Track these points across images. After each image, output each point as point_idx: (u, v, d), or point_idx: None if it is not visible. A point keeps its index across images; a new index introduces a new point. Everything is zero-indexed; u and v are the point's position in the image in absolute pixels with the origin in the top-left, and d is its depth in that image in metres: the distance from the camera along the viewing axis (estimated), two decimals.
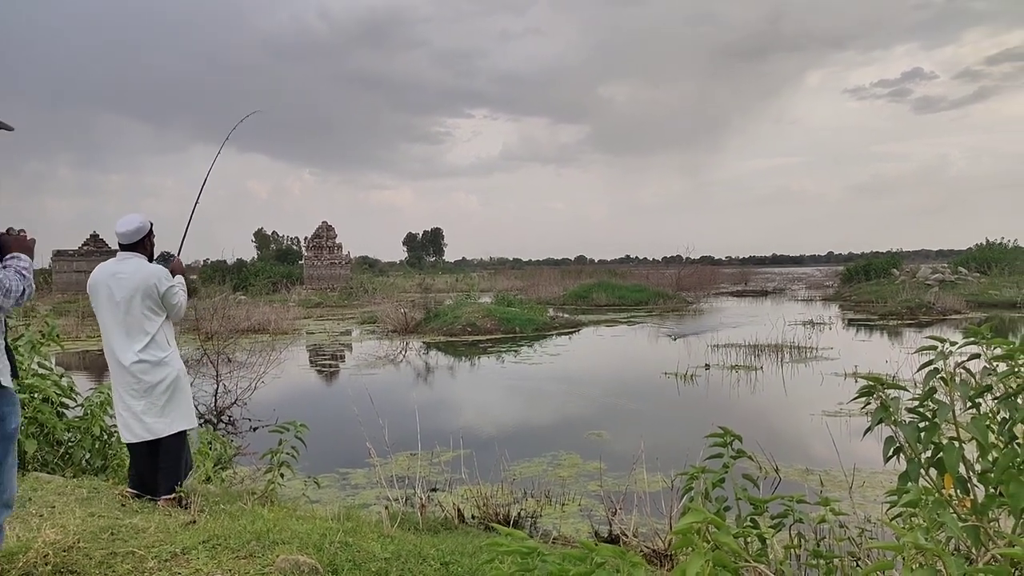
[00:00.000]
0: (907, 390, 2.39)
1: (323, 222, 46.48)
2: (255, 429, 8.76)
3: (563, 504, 6.30)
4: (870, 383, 2.40)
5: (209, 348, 9.94)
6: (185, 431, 4.05)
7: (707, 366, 14.17)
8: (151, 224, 4.07)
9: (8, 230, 2.93)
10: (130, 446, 4.04)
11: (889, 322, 22.92)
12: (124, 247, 3.99)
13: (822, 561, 2.99)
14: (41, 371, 4.47)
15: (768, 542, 3.05)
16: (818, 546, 3.26)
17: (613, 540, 5.22)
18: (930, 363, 2.28)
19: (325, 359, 17.47)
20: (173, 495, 3.91)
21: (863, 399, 2.46)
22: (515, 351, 17.82)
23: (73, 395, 4.73)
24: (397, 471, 7.06)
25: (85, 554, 2.76)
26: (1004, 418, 2.22)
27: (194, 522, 3.36)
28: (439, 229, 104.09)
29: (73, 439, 4.55)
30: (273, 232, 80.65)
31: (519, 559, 2.16)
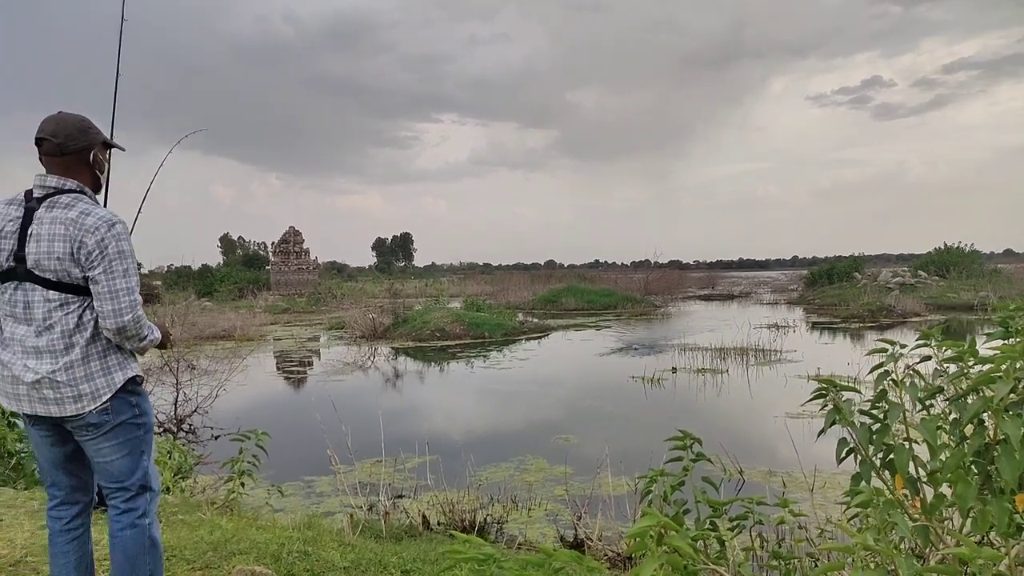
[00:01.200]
0: (859, 392, 2.43)
1: (290, 227, 46.00)
2: (217, 438, 8.58)
3: (529, 509, 6.30)
4: (823, 386, 2.44)
5: (169, 356, 9.77)
6: None
7: (674, 369, 14.29)
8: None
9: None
10: None
11: (851, 325, 23.36)
12: None
13: (781, 562, 3.03)
14: None
15: (727, 544, 3.08)
16: (779, 547, 3.31)
17: (578, 545, 5.23)
18: (881, 365, 2.32)
19: (292, 365, 17.25)
20: None
21: (817, 401, 2.50)
22: (484, 356, 17.79)
23: None
24: (362, 478, 7.00)
25: (33, 568, 2.69)
26: (955, 419, 2.26)
27: None
28: (408, 234, 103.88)
29: (25, 450, 4.42)
30: (239, 237, 79.85)
31: (476, 566, 2.15)
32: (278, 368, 16.94)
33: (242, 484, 4.48)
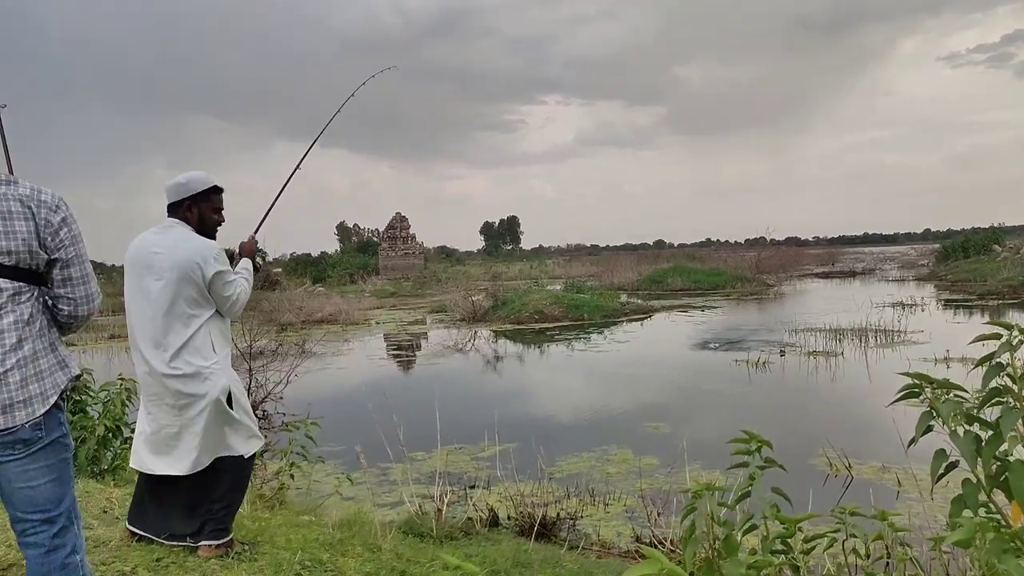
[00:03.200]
0: (964, 390, 1.86)
1: (397, 213, 47.10)
2: (286, 426, 8.60)
3: (607, 504, 5.87)
4: (915, 382, 1.89)
5: (284, 339, 9.98)
6: (242, 461, 2.99)
7: (782, 352, 13.34)
8: (214, 186, 3.00)
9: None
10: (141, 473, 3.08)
11: (988, 302, 21.18)
12: (169, 210, 2.96)
13: None
14: None
15: (801, 569, 2.57)
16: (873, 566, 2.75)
17: (655, 545, 4.77)
18: (992, 356, 1.76)
19: (391, 348, 17.48)
20: (220, 542, 2.91)
21: (908, 400, 1.95)
22: (583, 338, 17.35)
23: (90, 392, 4.63)
24: (439, 466, 6.80)
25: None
26: None
27: None
28: (515, 217, 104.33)
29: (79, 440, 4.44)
30: (355, 224, 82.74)
31: None
32: (377, 351, 17.20)
33: (291, 476, 4.32)
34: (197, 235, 2.92)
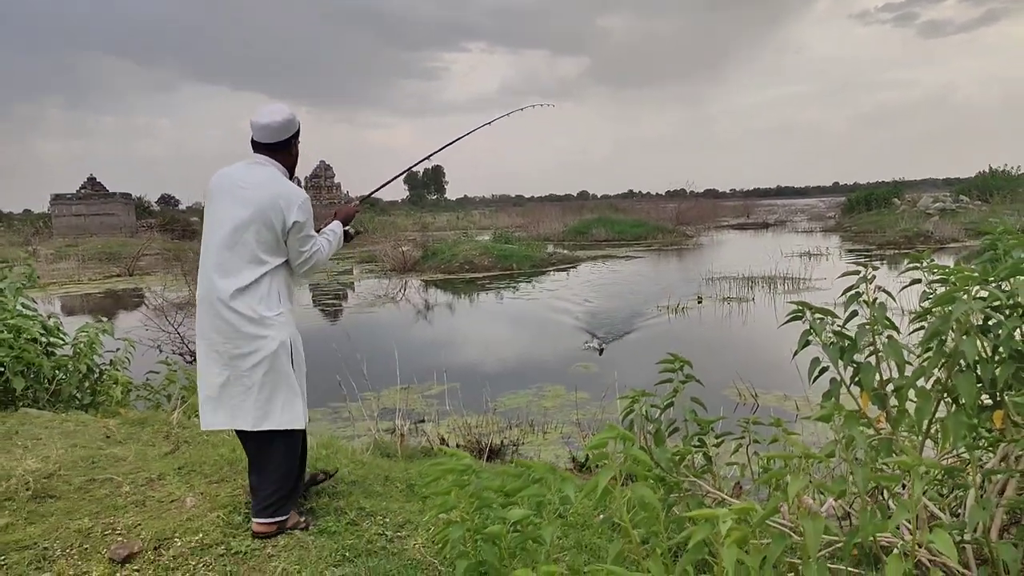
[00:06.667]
0: (833, 314, 2.48)
1: (321, 161, 46.19)
2: None
3: (545, 432, 6.52)
4: (798, 307, 2.50)
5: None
6: (296, 432, 2.78)
7: (700, 299, 14.31)
8: (299, 126, 2.86)
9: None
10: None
11: (886, 252, 22.94)
12: (259, 147, 2.78)
13: (773, 478, 3.15)
14: (26, 312, 4.61)
15: (713, 459, 3.21)
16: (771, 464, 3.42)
17: (585, 466, 5.44)
18: (853, 288, 2.38)
19: (324, 298, 17.66)
20: (269, 522, 2.66)
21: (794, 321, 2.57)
22: (512, 287, 17.97)
23: (60, 335, 4.88)
24: (388, 404, 7.30)
25: (65, 480, 2.94)
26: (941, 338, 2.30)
27: (174, 451, 3.53)
28: (440, 167, 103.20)
29: (63, 377, 4.72)
30: None
31: (457, 476, 2.32)
32: (312, 301, 17.36)
33: None
34: (287, 180, 2.79)
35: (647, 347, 10.70)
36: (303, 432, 2.89)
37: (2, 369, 4.30)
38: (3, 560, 2.33)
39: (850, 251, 24.05)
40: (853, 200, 38.58)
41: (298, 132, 2.85)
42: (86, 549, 2.45)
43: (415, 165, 3.97)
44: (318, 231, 2.93)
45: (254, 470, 2.73)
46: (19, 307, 4.54)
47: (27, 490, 2.80)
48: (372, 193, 4.02)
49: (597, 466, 2.05)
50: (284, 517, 2.70)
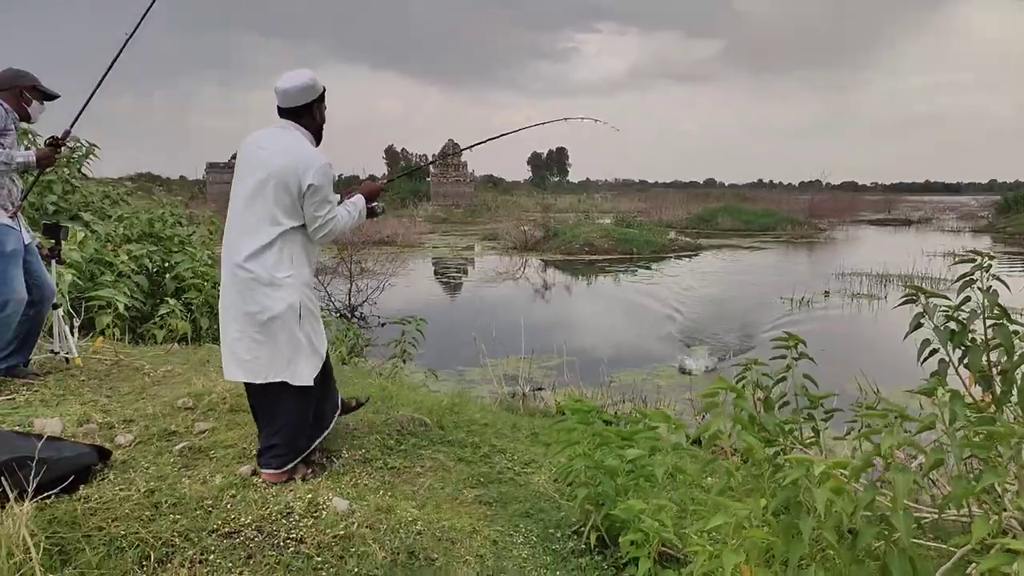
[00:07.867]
0: (947, 298, 2.61)
1: (449, 140, 47.46)
2: (383, 324, 9.78)
3: (657, 408, 6.75)
4: (911, 291, 2.65)
5: (344, 256, 11.05)
6: (304, 389, 2.79)
7: (827, 293, 13.92)
8: (324, 90, 2.91)
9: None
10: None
11: None
12: (283, 112, 2.86)
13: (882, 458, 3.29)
14: (211, 262, 5.36)
15: (822, 434, 3.38)
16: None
17: (698, 442, 5.64)
18: (967, 275, 2.51)
19: (449, 271, 18.48)
20: (275, 472, 2.75)
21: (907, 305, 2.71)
22: (631, 271, 18.08)
23: None
24: (508, 371, 7.77)
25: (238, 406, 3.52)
26: None
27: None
28: (564, 149, 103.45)
29: None
30: (403, 149, 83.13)
31: (582, 415, 2.66)
32: (436, 273, 18.23)
33: (403, 360, 5.27)
34: (311, 145, 2.86)
35: (765, 338, 10.63)
36: (318, 388, 2.90)
37: (192, 309, 5.05)
38: (214, 454, 2.90)
39: (1001, 255, 22.34)
40: (1011, 200, 35.54)
41: (322, 97, 2.90)
42: None
43: (453, 153, 4.01)
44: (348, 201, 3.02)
45: (262, 424, 2.85)
46: (206, 258, 5.29)
47: (224, 404, 3.40)
48: (401, 175, 4.10)
49: (707, 415, 2.33)
50: (290, 467, 2.78)
